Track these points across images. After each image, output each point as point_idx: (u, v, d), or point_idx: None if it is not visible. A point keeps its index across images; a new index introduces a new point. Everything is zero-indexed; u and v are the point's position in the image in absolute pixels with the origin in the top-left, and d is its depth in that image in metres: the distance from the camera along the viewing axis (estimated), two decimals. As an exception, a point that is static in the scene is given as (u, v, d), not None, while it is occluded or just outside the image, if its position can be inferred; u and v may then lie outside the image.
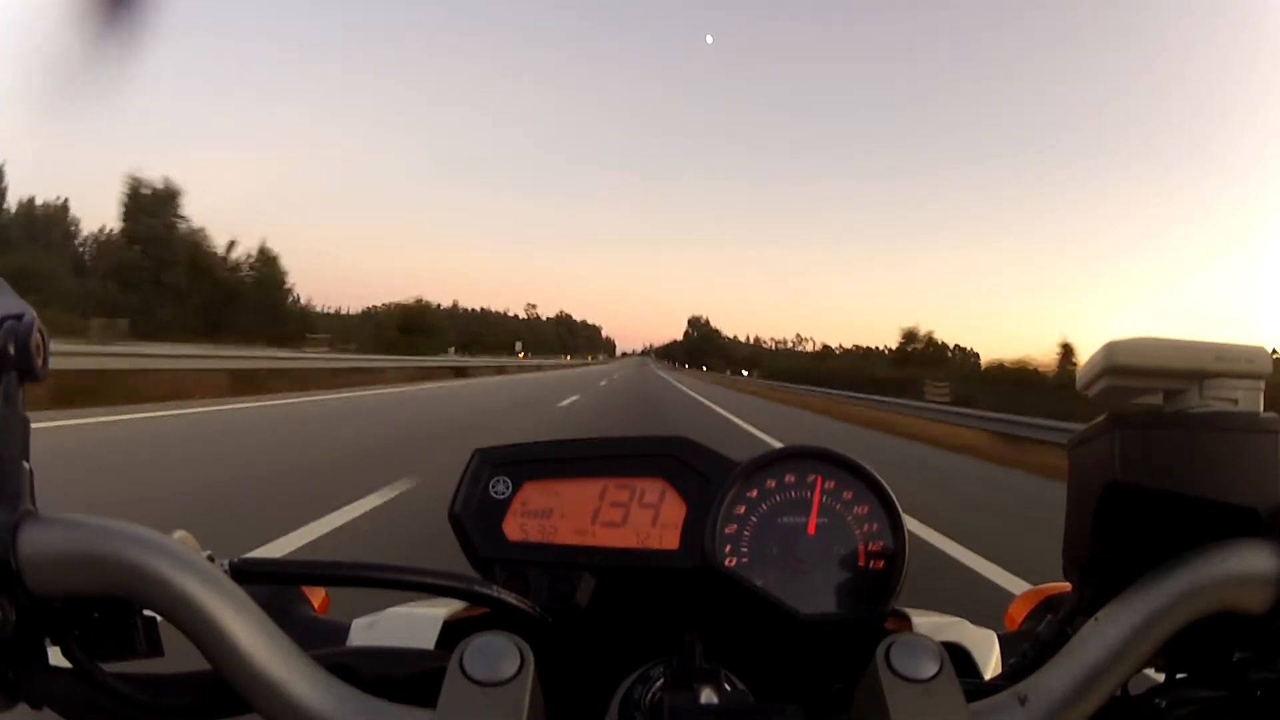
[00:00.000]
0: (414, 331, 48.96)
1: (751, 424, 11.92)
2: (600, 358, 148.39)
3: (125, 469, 4.89)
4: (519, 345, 45.82)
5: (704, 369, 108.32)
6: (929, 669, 0.29)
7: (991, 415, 11.20)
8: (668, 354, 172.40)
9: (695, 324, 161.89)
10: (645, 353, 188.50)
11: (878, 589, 0.47)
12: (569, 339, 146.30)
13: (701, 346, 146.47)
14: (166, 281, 37.41)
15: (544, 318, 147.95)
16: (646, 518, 0.49)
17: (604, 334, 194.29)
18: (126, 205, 38.18)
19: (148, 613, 0.29)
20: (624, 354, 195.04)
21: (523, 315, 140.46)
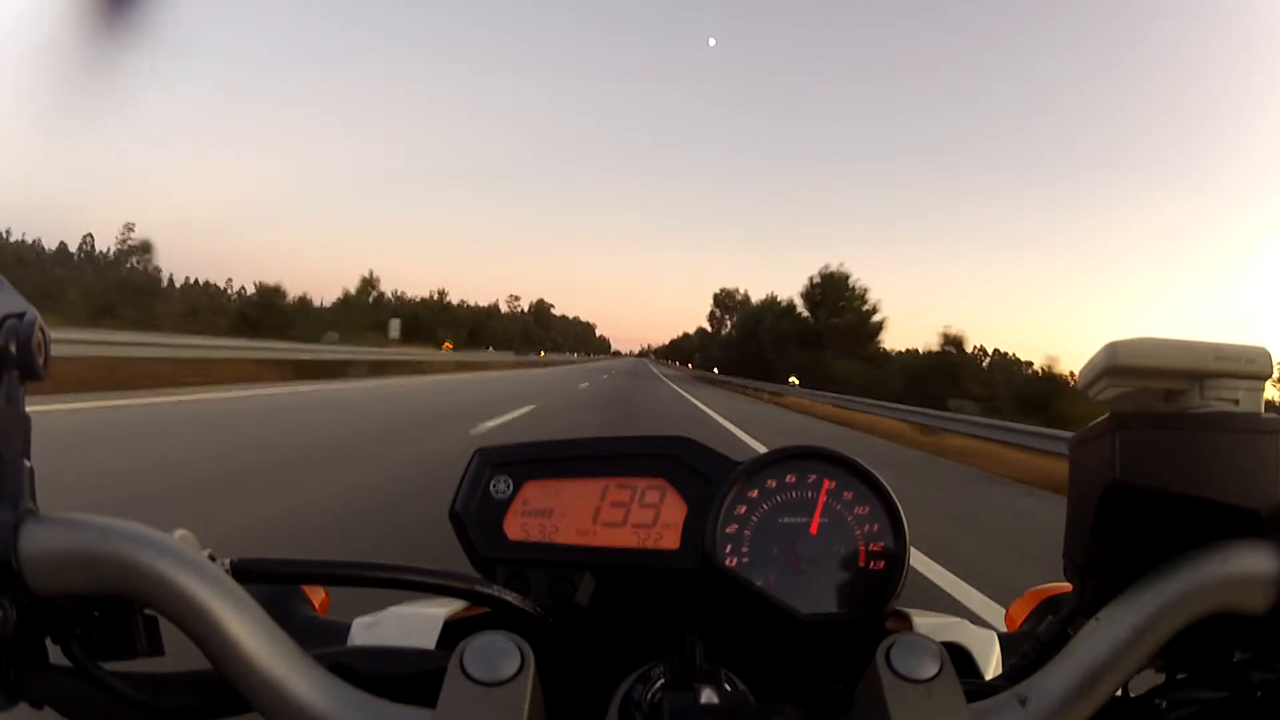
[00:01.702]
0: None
1: None
2: (565, 355, 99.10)
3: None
4: (394, 327, 29.16)
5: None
6: (929, 669, 0.29)
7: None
8: (677, 353, 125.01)
9: (726, 302, 78.85)
10: (643, 354, 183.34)
11: (878, 589, 0.47)
12: (541, 334, 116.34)
13: (785, 332, 39.37)
14: None
15: (524, 311, 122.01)
16: (647, 518, 0.49)
17: (598, 333, 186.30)
18: None
19: (148, 612, 0.29)
20: (616, 353, 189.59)
21: (504, 309, 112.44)
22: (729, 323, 75.29)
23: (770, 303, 47.24)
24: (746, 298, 72.78)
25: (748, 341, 46.30)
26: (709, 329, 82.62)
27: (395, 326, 30.64)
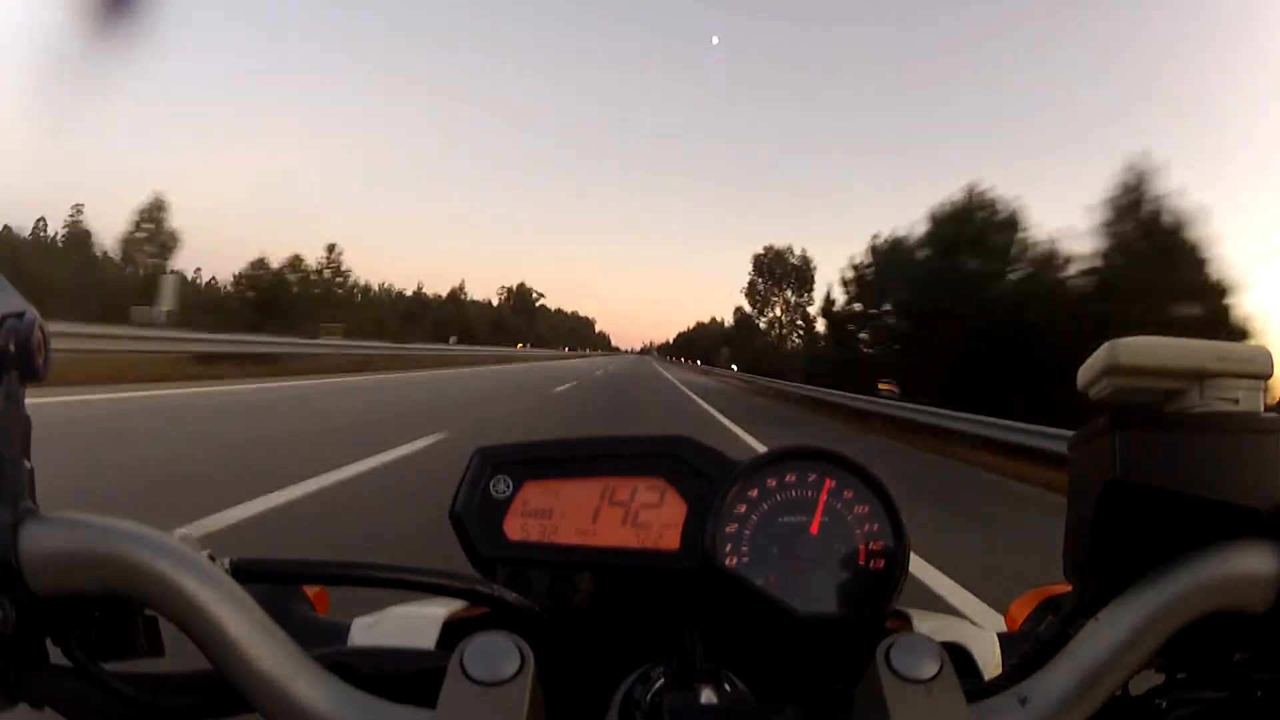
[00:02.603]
0: None
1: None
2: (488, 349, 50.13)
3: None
4: (167, 286, 18.49)
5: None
6: (929, 669, 0.29)
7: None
8: (690, 348, 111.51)
9: (774, 268, 48.93)
10: (644, 351, 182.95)
11: (878, 589, 0.47)
12: (522, 326, 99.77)
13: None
14: None
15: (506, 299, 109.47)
16: (647, 517, 0.49)
17: (597, 328, 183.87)
18: None
19: (148, 612, 0.29)
20: (616, 349, 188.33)
21: (495, 301, 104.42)
22: (779, 298, 44.86)
23: (974, 206, 17.74)
24: (806, 258, 44.53)
25: (910, 314, 18.19)
26: (748, 308, 50.31)
27: (169, 286, 18.88)
